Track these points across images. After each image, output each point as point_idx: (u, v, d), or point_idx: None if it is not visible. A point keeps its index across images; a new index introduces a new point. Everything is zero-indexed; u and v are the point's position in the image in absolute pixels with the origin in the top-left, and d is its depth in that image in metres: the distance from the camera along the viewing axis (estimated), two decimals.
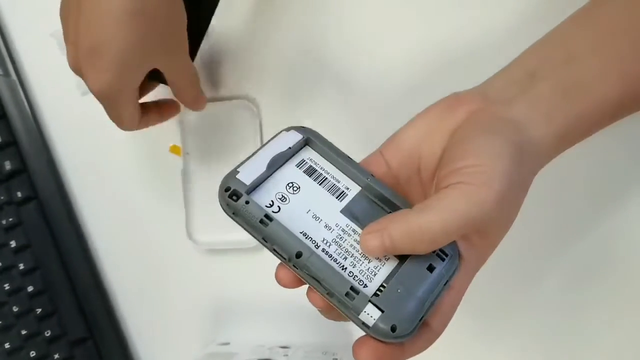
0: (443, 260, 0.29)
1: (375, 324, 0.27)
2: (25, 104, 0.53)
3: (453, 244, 0.30)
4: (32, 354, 0.51)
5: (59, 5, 0.42)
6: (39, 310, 0.52)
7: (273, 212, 0.30)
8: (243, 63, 0.50)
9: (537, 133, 0.30)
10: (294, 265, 0.29)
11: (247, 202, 0.29)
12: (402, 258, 0.29)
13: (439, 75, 0.45)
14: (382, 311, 0.27)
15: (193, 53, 0.45)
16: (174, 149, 0.52)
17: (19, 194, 0.52)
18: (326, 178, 0.32)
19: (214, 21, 0.45)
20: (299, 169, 0.32)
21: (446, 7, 0.46)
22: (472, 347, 0.47)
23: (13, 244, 0.52)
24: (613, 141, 0.43)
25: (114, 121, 0.42)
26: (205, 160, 0.51)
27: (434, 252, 0.29)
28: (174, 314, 0.52)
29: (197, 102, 0.46)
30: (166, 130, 0.51)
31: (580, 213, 0.44)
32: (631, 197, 0.43)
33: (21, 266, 0.52)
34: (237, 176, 0.30)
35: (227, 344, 0.49)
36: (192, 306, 0.52)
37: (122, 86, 0.38)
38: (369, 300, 0.27)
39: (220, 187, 0.30)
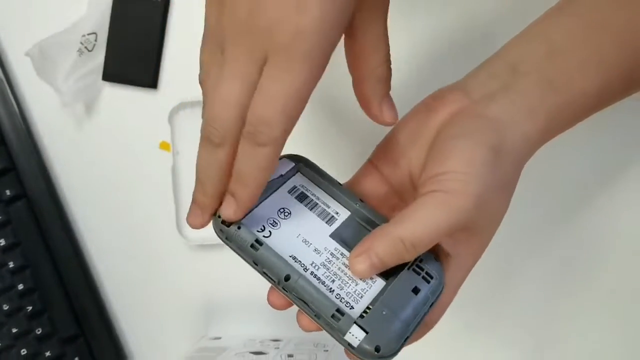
0: (428, 282, 0.30)
1: (360, 345, 0.28)
2: (13, 101, 0.53)
3: (438, 266, 0.30)
4: (23, 352, 0.51)
5: (46, 6, 0.41)
6: (29, 308, 0.52)
7: (264, 236, 0.31)
8: None
9: (519, 129, 0.30)
10: (282, 288, 0.30)
11: (239, 228, 0.31)
12: (389, 280, 0.30)
13: (428, 75, 0.46)
14: (367, 332, 0.28)
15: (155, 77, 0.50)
16: (164, 146, 0.52)
17: (8, 192, 0.52)
18: (317, 203, 0.33)
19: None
20: (291, 195, 0.33)
21: (435, 6, 0.46)
22: (460, 341, 0.47)
23: (2, 242, 0.52)
24: (600, 136, 0.43)
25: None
26: (195, 158, 0.51)
27: (419, 274, 0.30)
28: (165, 309, 0.52)
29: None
30: (155, 127, 0.51)
31: (565, 207, 0.45)
32: (617, 191, 0.44)
33: (11, 264, 0.52)
34: None
35: (219, 338, 0.50)
36: (183, 301, 0.52)
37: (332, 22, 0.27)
38: (354, 322, 0.28)
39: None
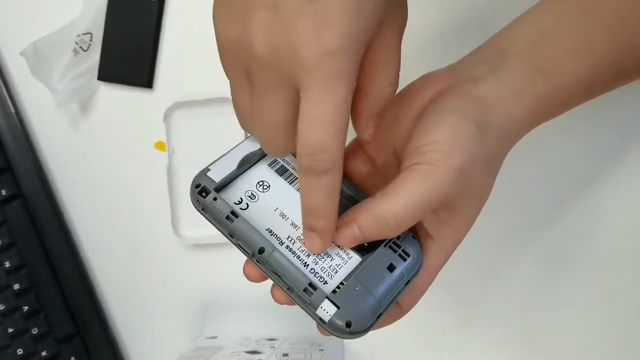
0: (405, 260, 0.30)
1: (330, 320, 0.28)
2: (9, 101, 0.53)
3: (416, 245, 0.30)
4: (19, 351, 0.51)
5: (41, 5, 0.41)
6: (25, 308, 0.52)
7: (241, 209, 0.31)
8: None
9: (504, 109, 0.30)
10: (257, 261, 0.30)
11: (215, 199, 0.30)
12: (365, 256, 0.30)
13: (421, 64, 0.46)
14: (338, 308, 0.28)
15: (150, 77, 0.50)
16: (159, 145, 0.52)
17: (4, 192, 0.52)
18: (297, 177, 0.33)
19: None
20: (271, 168, 0.33)
21: None
22: (455, 340, 0.47)
23: None
24: (591, 125, 0.43)
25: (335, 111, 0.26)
26: (190, 157, 0.51)
27: (395, 252, 0.30)
28: (161, 309, 0.53)
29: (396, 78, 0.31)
30: (150, 127, 0.51)
31: (555, 199, 0.45)
32: (607, 182, 0.44)
33: (7, 264, 0.52)
34: (207, 174, 0.31)
35: (215, 337, 0.50)
36: (179, 301, 0.52)
37: (360, 37, 0.26)
38: (326, 297, 0.28)
39: (192, 183, 0.31)
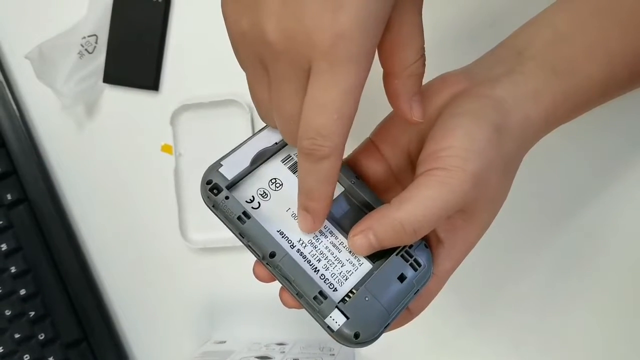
0: (416, 270, 0.29)
1: (339, 329, 0.28)
2: (13, 105, 0.53)
3: (427, 254, 0.30)
4: (26, 357, 0.51)
5: (45, 8, 0.41)
6: (32, 314, 0.51)
7: (253, 208, 0.30)
8: (232, 62, 0.49)
9: (523, 111, 0.30)
10: (267, 264, 0.29)
11: (226, 198, 0.30)
12: (376, 263, 0.30)
13: (435, 64, 0.45)
14: (347, 318, 0.28)
15: (156, 79, 0.50)
16: (166, 148, 0.51)
17: (9, 197, 0.52)
18: None
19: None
20: (284, 164, 0.32)
21: None
22: (462, 342, 0.47)
23: (4, 247, 0.51)
24: (601, 132, 0.43)
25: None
26: (198, 160, 0.50)
27: (407, 261, 0.30)
28: (169, 313, 0.52)
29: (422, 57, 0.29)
30: (157, 130, 0.51)
31: (566, 204, 0.45)
32: (617, 187, 0.44)
33: (13, 269, 0.51)
34: (219, 169, 0.30)
35: (224, 342, 0.49)
36: (187, 305, 0.52)
37: (376, 18, 0.25)
38: (336, 306, 0.28)
39: (203, 179, 0.30)
